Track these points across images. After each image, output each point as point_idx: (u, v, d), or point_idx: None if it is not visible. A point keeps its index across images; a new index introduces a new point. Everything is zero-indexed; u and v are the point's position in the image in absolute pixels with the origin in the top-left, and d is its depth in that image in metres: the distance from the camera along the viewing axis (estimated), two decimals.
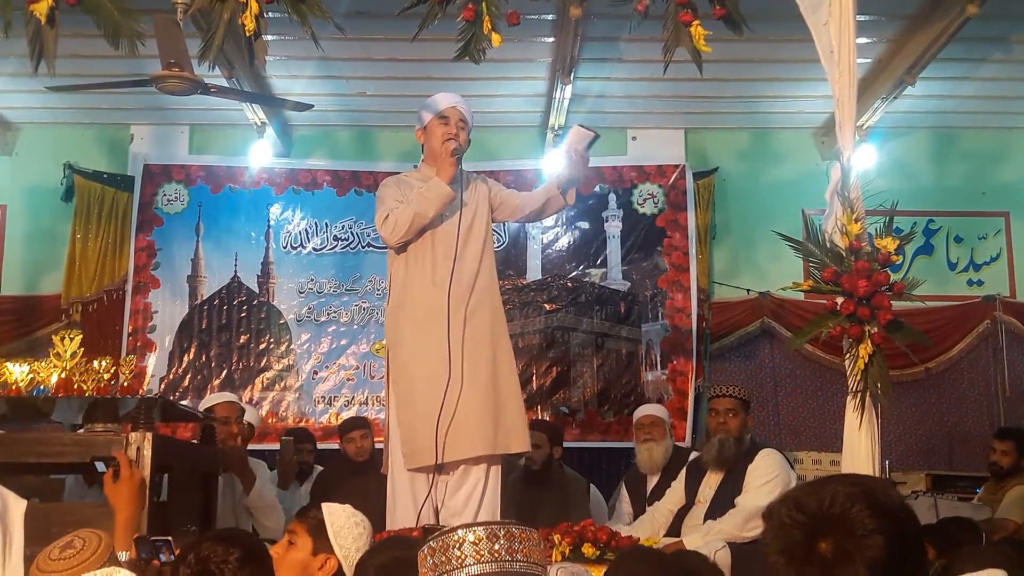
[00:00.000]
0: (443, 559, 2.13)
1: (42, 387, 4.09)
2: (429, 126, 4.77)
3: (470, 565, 2.10)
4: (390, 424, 4.65)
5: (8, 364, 4.13)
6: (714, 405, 5.20)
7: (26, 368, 4.11)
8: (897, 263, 4.25)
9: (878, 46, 7.06)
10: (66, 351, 4.08)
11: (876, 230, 4.25)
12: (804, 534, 1.62)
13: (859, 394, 4.09)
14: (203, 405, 5.80)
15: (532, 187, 8.29)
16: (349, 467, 6.27)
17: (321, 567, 2.88)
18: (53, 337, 4.22)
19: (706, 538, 4.63)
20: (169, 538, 2.96)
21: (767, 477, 4.81)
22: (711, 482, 5.05)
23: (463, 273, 4.58)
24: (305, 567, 2.89)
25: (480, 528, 2.17)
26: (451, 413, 4.42)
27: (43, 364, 4.13)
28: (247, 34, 4.26)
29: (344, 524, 2.94)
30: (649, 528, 5.15)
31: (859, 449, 4.07)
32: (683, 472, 5.97)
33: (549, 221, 8.36)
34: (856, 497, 1.61)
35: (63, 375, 4.06)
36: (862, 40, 5.97)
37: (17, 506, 2.75)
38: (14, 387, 4.08)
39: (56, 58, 4.40)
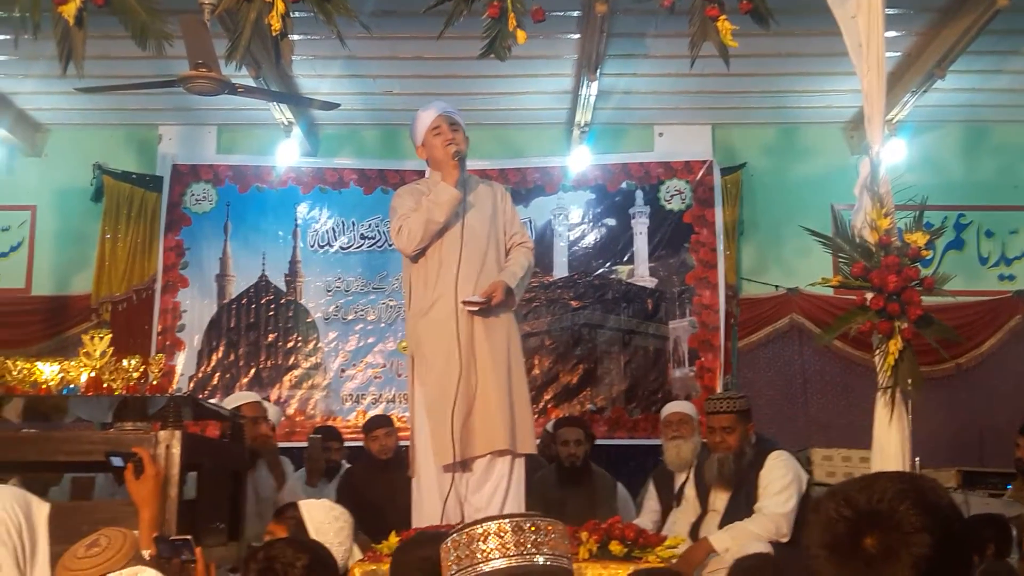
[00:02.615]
0: (467, 552, 2.12)
1: (72, 386, 4.12)
2: (426, 141, 4.81)
3: (495, 559, 2.09)
4: (415, 426, 4.67)
5: (39, 363, 4.17)
6: (711, 423, 5.02)
7: (56, 367, 4.14)
8: (927, 258, 4.19)
9: (907, 39, 6.99)
10: (96, 350, 4.11)
11: (906, 225, 4.21)
12: (850, 529, 1.60)
13: (889, 390, 4.06)
14: (228, 404, 5.82)
15: (558, 184, 8.34)
16: (374, 465, 6.28)
17: None
18: (83, 336, 4.25)
19: (737, 540, 4.60)
20: (189, 537, 2.96)
21: (783, 481, 4.76)
22: (721, 490, 5.02)
23: (468, 273, 4.61)
24: None
25: (505, 521, 2.16)
26: (470, 410, 4.48)
27: (73, 363, 4.16)
28: (273, 34, 4.27)
29: (324, 519, 2.93)
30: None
31: (889, 446, 4.03)
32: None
33: (575, 218, 8.36)
34: (905, 494, 1.59)
35: (93, 374, 4.09)
36: (891, 33, 5.93)
37: (41, 509, 2.76)
38: (45, 386, 4.12)
39: (84, 59, 4.43)
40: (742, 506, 4.81)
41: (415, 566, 2.74)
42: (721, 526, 4.84)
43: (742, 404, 4.99)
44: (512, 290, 4.67)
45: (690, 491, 5.22)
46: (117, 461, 3.45)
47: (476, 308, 4.56)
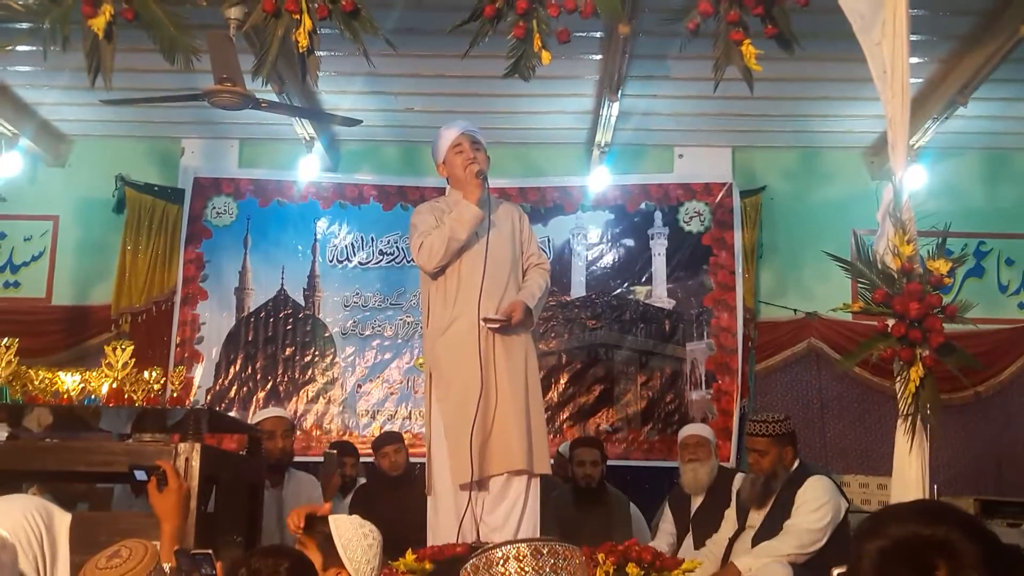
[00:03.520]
0: None
1: (93, 396, 4.14)
2: (447, 159, 4.84)
3: None
4: (432, 444, 4.67)
5: (60, 373, 4.19)
6: (747, 443, 5.17)
7: (78, 378, 4.16)
8: (948, 285, 4.18)
9: (930, 66, 6.99)
10: (118, 361, 4.13)
11: (928, 252, 4.19)
12: (905, 559, 1.58)
13: (910, 417, 4.04)
14: (253, 419, 5.87)
15: (577, 204, 8.36)
16: (386, 481, 6.29)
17: None
18: (105, 347, 4.27)
19: (759, 560, 4.60)
20: (210, 551, 2.97)
21: (819, 502, 4.78)
22: (755, 509, 5.03)
23: (492, 291, 4.61)
24: None
25: (524, 545, 2.16)
26: (488, 429, 4.49)
27: (94, 374, 4.18)
28: (300, 50, 4.30)
29: (352, 536, 2.92)
30: (709, 561, 5.11)
31: (909, 473, 4.00)
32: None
33: (594, 238, 8.37)
34: (962, 524, 1.58)
35: (114, 385, 4.11)
36: (914, 60, 5.91)
37: (62, 519, 2.77)
38: (66, 396, 4.14)
39: (112, 72, 4.47)
40: (777, 524, 4.83)
41: None
42: (753, 542, 4.84)
43: (777, 428, 5.02)
44: (531, 310, 4.68)
45: (731, 511, 5.23)
46: (140, 475, 3.46)
47: (496, 326, 4.56)
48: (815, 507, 4.76)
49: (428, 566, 4.12)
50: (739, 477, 5.45)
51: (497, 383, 4.55)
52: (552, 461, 6.50)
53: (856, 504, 7.01)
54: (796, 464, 5.03)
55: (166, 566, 2.83)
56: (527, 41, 4.36)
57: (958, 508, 1.68)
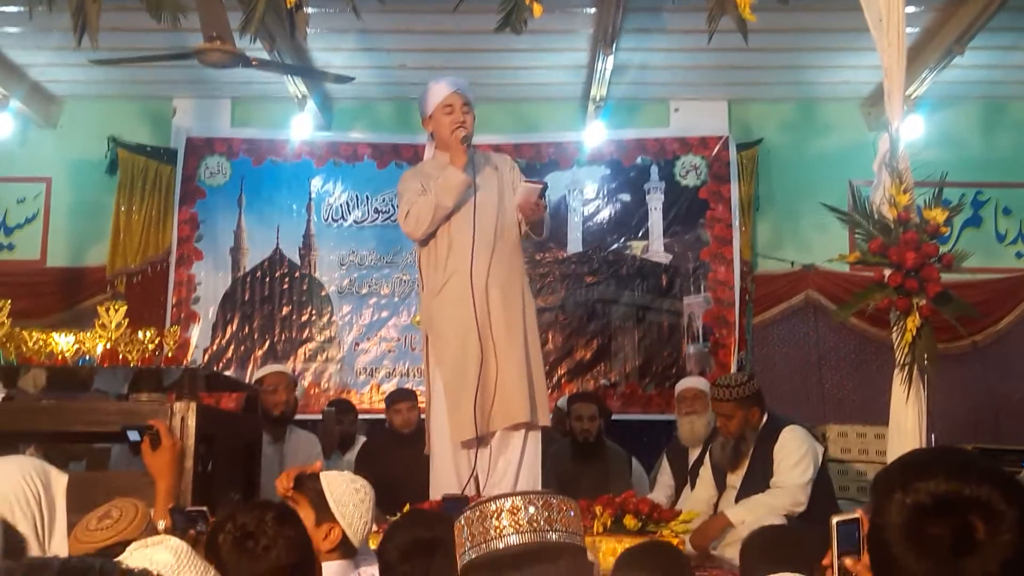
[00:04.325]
0: (480, 529, 2.11)
1: (88, 357, 4.14)
2: (435, 115, 4.77)
3: (508, 535, 2.08)
4: (432, 404, 4.68)
5: (54, 334, 4.19)
6: (714, 408, 5.16)
7: (72, 339, 4.16)
8: (945, 235, 4.17)
9: (926, 15, 6.93)
10: (111, 322, 4.12)
11: (925, 201, 4.18)
12: (933, 515, 1.51)
13: (907, 367, 4.04)
14: (254, 376, 5.89)
15: (573, 160, 8.31)
16: (394, 438, 6.30)
17: (325, 537, 2.88)
18: (98, 308, 4.27)
19: (753, 513, 4.62)
20: (204, 508, 2.97)
21: (798, 454, 4.80)
22: (732, 470, 5.05)
23: (482, 252, 4.60)
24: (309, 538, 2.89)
25: (518, 498, 2.15)
26: (491, 387, 4.49)
27: (89, 335, 4.18)
28: (288, 6, 4.26)
29: (344, 491, 2.93)
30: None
31: (906, 423, 4.01)
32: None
33: (590, 193, 8.34)
34: (992, 479, 1.51)
35: (108, 345, 4.11)
36: (910, 9, 5.87)
37: (59, 480, 2.78)
38: (60, 357, 4.14)
39: (99, 32, 4.42)
40: (758, 481, 4.84)
41: (405, 547, 2.76)
42: (737, 501, 4.86)
43: (741, 392, 4.99)
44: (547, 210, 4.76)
45: (705, 471, 5.24)
46: (133, 435, 3.46)
47: (541, 189, 4.63)
48: (795, 460, 4.79)
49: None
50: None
51: (495, 338, 4.55)
52: (551, 416, 6.53)
53: (854, 454, 7.05)
54: (764, 420, 5.03)
55: (160, 524, 2.83)
56: None
57: (987, 461, 1.60)
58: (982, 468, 1.54)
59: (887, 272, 4.08)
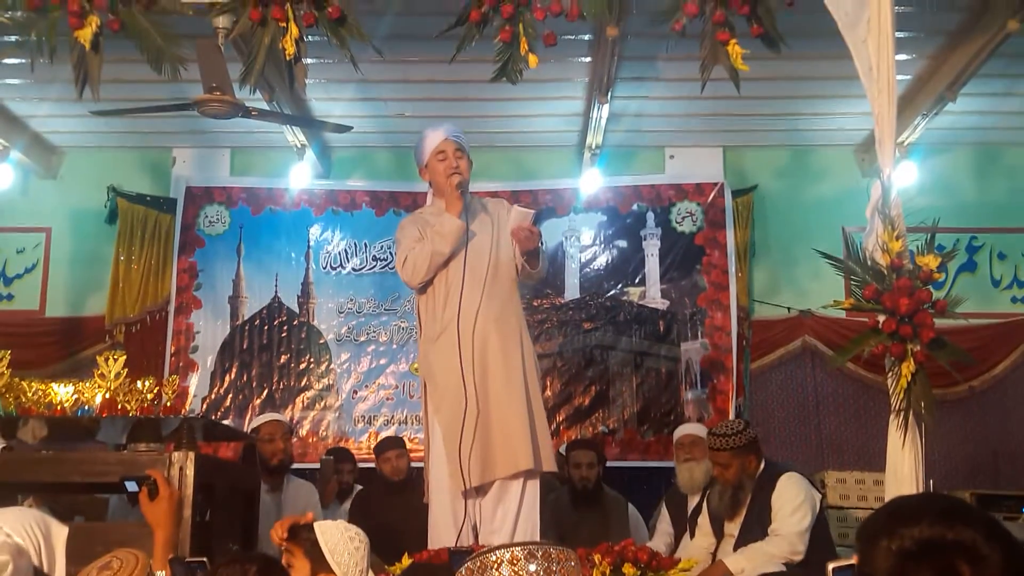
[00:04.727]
0: None
1: (87, 407, 4.14)
2: (430, 164, 4.80)
3: None
4: (431, 452, 4.66)
5: (54, 384, 4.19)
6: (711, 457, 5.12)
7: (71, 388, 4.16)
8: (940, 280, 4.18)
9: (918, 63, 7.01)
10: (110, 371, 4.13)
11: (918, 247, 4.20)
12: (916, 560, 1.53)
13: (902, 413, 4.05)
14: (250, 425, 5.89)
15: (570, 206, 8.37)
16: (387, 486, 6.29)
17: None
18: (97, 358, 4.28)
19: (752, 562, 4.60)
20: (204, 560, 2.97)
21: (796, 502, 4.77)
22: (729, 518, 5.04)
23: (471, 300, 4.58)
24: None
25: (518, 548, 2.16)
26: (486, 434, 4.47)
27: (87, 384, 4.18)
28: (287, 58, 4.31)
29: (338, 541, 2.92)
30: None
31: (903, 468, 4.01)
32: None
33: (587, 239, 8.38)
34: (975, 522, 1.53)
35: (107, 395, 4.11)
36: (902, 57, 5.95)
37: (60, 533, 2.79)
38: (59, 407, 4.14)
39: (100, 83, 4.47)
40: (756, 529, 4.82)
41: None
42: (735, 550, 4.84)
43: (737, 441, 4.96)
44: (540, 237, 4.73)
45: (703, 519, 5.22)
46: (131, 486, 3.46)
47: (533, 214, 4.62)
48: (793, 508, 4.75)
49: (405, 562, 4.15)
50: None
51: (493, 386, 4.53)
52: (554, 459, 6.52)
53: (852, 501, 7.03)
54: (762, 467, 5.02)
55: (160, 574, 2.83)
56: (514, 45, 4.37)
57: (971, 505, 1.63)
58: (966, 512, 1.56)
59: (881, 318, 4.10)
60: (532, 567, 2.13)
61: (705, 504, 5.26)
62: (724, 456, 4.97)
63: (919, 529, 1.54)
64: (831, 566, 1.87)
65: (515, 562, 2.13)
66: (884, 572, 1.55)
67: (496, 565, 2.13)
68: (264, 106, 6.66)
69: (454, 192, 4.65)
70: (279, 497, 5.70)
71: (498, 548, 2.18)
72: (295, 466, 6.20)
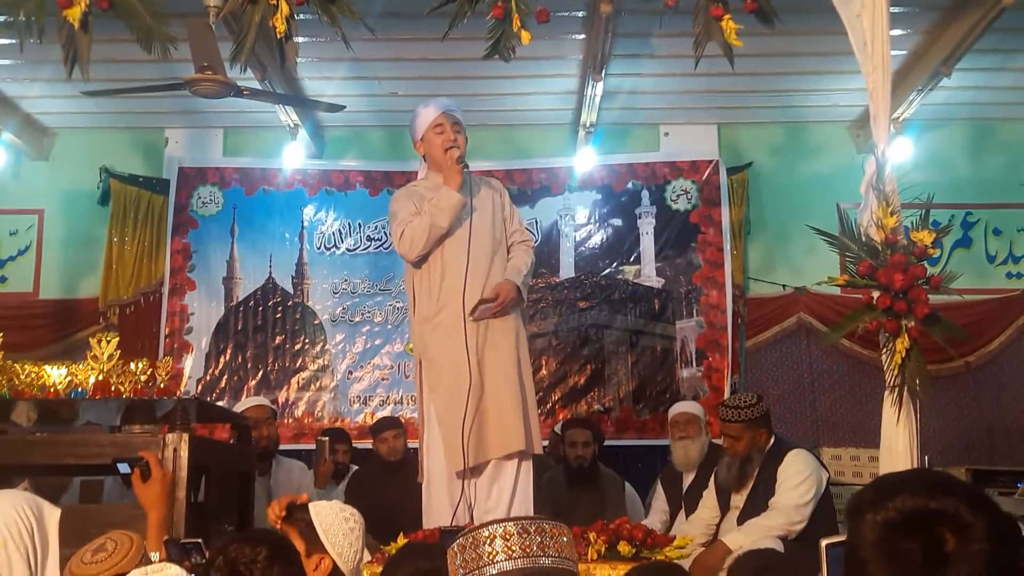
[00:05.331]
0: (473, 556, 2.12)
1: (80, 389, 4.13)
2: (426, 138, 4.77)
3: (501, 561, 2.09)
4: (425, 430, 4.66)
5: (46, 367, 4.18)
6: (722, 428, 5.10)
7: (64, 371, 4.15)
8: (934, 256, 4.18)
9: (912, 38, 6.98)
10: (103, 353, 4.12)
11: (912, 223, 4.20)
12: (904, 530, 1.54)
13: (897, 389, 4.05)
14: (238, 409, 5.87)
15: (564, 185, 8.35)
16: (383, 467, 6.29)
17: (316, 568, 2.86)
18: (90, 339, 4.27)
19: (750, 537, 4.60)
20: (199, 540, 2.97)
21: (801, 476, 4.77)
22: (736, 491, 5.04)
23: (476, 278, 4.56)
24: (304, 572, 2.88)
25: (510, 523, 2.16)
26: (484, 414, 4.47)
27: (81, 366, 4.17)
28: (278, 36, 4.28)
29: (333, 521, 2.92)
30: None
31: (897, 444, 4.02)
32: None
33: (581, 218, 8.37)
34: (960, 493, 1.54)
35: (100, 377, 4.10)
36: (896, 32, 5.92)
37: (52, 515, 2.78)
38: (52, 389, 4.13)
39: (90, 63, 4.44)
40: (760, 502, 4.82)
41: None
42: (739, 522, 4.85)
43: (750, 414, 4.96)
44: (519, 289, 4.66)
45: (709, 492, 5.23)
46: (124, 467, 3.45)
47: (487, 315, 4.53)
48: (798, 482, 4.76)
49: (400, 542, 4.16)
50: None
51: (488, 368, 4.52)
52: (547, 442, 6.53)
53: (848, 477, 7.05)
54: (771, 442, 5.02)
55: (155, 555, 2.83)
56: (506, 21, 4.34)
57: (956, 478, 1.64)
58: (949, 483, 1.57)
59: (875, 294, 4.10)
60: (524, 538, 2.13)
61: (712, 477, 5.26)
62: (735, 428, 4.97)
63: (902, 499, 1.55)
64: (824, 543, 1.88)
65: (508, 537, 2.13)
66: (871, 544, 1.56)
67: (489, 540, 2.13)
68: (256, 85, 6.62)
69: (453, 166, 4.61)
70: (267, 482, 5.68)
71: (490, 523, 2.17)
72: (290, 447, 6.20)
